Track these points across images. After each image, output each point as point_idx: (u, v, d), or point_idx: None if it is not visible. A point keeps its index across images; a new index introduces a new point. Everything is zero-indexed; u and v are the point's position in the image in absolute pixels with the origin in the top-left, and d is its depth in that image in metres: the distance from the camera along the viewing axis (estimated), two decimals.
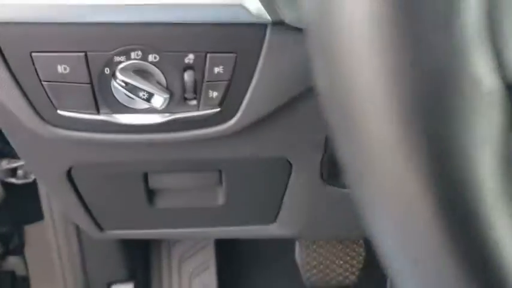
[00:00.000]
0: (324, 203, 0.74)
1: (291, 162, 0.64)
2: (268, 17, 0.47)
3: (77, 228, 0.99)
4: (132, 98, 0.49)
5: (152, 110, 0.51)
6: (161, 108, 0.50)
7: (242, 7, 0.46)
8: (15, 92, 0.49)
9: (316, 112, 0.58)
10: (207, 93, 0.51)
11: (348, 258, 1.20)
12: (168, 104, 0.50)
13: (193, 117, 0.52)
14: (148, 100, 0.49)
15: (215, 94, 0.51)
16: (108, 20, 0.46)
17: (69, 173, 0.63)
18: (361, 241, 1.21)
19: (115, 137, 0.54)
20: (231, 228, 0.81)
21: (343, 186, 0.69)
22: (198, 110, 0.52)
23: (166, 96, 0.49)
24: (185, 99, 0.51)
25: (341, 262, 1.20)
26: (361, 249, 1.21)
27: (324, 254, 1.20)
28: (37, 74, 0.48)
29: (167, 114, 0.52)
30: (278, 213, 0.77)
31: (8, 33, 0.46)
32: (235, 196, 0.71)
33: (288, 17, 0.47)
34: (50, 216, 0.97)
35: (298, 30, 0.49)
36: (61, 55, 0.47)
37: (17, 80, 0.48)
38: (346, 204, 0.74)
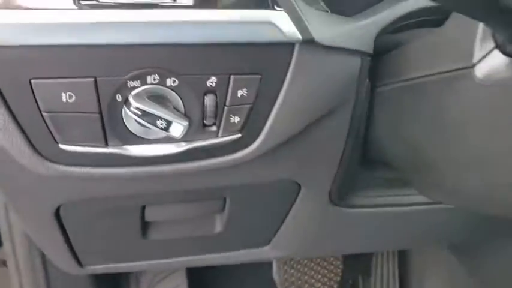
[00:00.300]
0: (325, 223, 0.71)
1: (301, 184, 0.61)
2: (299, 36, 0.43)
3: (43, 256, 0.90)
4: (147, 127, 0.44)
5: (167, 139, 0.46)
6: (179, 137, 0.44)
7: (272, 25, 0.42)
8: (9, 125, 0.42)
9: (333, 131, 0.56)
10: (228, 118, 0.46)
11: (326, 271, 1.18)
12: (186, 131, 0.45)
13: (212, 145, 0.47)
14: (166, 129, 0.43)
15: (237, 119, 0.46)
16: (121, 42, 0.40)
17: (57, 211, 0.56)
18: None
19: (123, 171, 0.47)
20: (223, 254, 0.76)
21: (349, 206, 0.67)
22: (217, 137, 0.47)
23: (186, 123, 0.44)
24: (204, 125, 0.46)
25: (319, 276, 1.18)
26: (338, 262, 1.19)
27: (302, 269, 1.17)
28: (36, 104, 0.41)
29: (184, 144, 0.47)
30: (274, 235, 0.73)
31: (3, 58, 0.39)
32: (234, 223, 0.67)
33: (319, 34, 0.44)
34: (11, 247, 0.87)
35: (327, 48, 0.46)
36: (66, 81, 0.40)
37: (11, 111, 0.41)
38: (346, 223, 0.72)
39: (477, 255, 0.98)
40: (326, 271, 1.18)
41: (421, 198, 0.68)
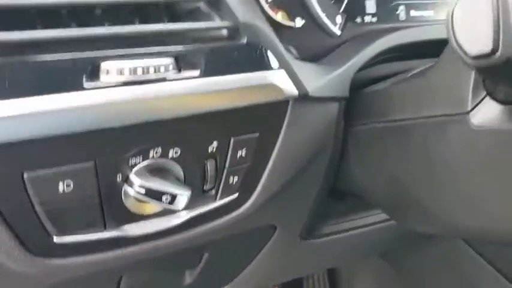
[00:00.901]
0: (291, 257, 0.71)
1: (277, 226, 0.60)
2: (296, 92, 0.43)
3: None
4: (148, 203, 0.40)
5: (165, 212, 0.43)
6: (182, 208, 0.41)
7: (273, 86, 0.41)
8: None
9: (312, 174, 0.56)
10: (227, 180, 0.44)
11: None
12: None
13: (212, 209, 0.45)
14: (171, 202, 0.40)
15: (235, 179, 0.45)
16: (121, 125, 0.36)
17: None
18: None
19: (119, 252, 0.43)
20: None
21: (315, 237, 0.68)
22: (215, 200, 0.45)
23: (189, 193, 0.41)
24: (203, 191, 0.44)
25: None
26: None
27: None
28: (29, 199, 0.36)
29: (184, 213, 0.44)
30: (237, 276, 0.72)
31: None
32: (205, 273, 0.64)
33: (310, 87, 0.44)
34: None
35: (314, 99, 0.46)
36: (63, 169, 0.36)
37: None
38: (310, 253, 0.73)
39: (405, 261, 1.03)
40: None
41: (377, 218, 0.71)
